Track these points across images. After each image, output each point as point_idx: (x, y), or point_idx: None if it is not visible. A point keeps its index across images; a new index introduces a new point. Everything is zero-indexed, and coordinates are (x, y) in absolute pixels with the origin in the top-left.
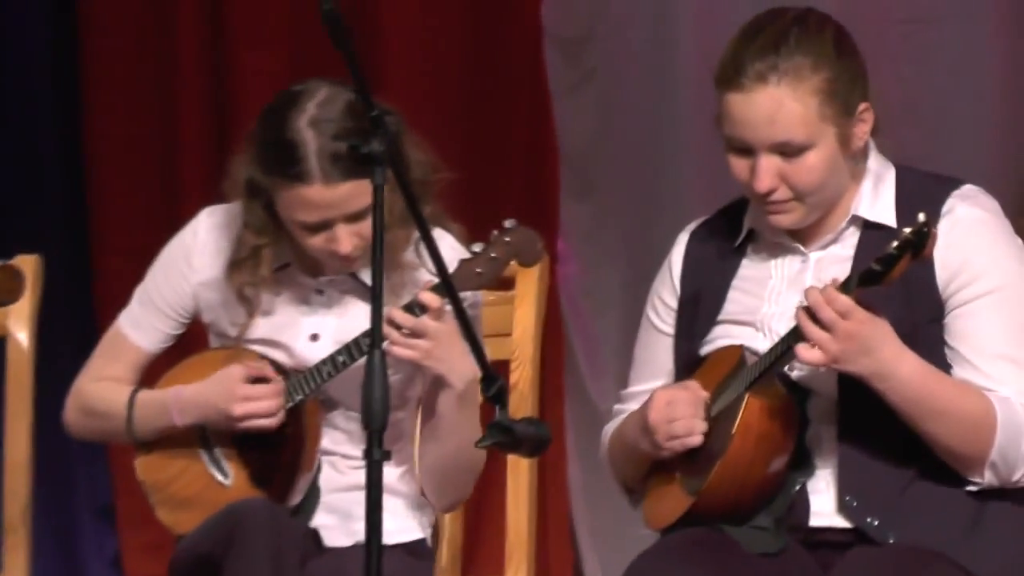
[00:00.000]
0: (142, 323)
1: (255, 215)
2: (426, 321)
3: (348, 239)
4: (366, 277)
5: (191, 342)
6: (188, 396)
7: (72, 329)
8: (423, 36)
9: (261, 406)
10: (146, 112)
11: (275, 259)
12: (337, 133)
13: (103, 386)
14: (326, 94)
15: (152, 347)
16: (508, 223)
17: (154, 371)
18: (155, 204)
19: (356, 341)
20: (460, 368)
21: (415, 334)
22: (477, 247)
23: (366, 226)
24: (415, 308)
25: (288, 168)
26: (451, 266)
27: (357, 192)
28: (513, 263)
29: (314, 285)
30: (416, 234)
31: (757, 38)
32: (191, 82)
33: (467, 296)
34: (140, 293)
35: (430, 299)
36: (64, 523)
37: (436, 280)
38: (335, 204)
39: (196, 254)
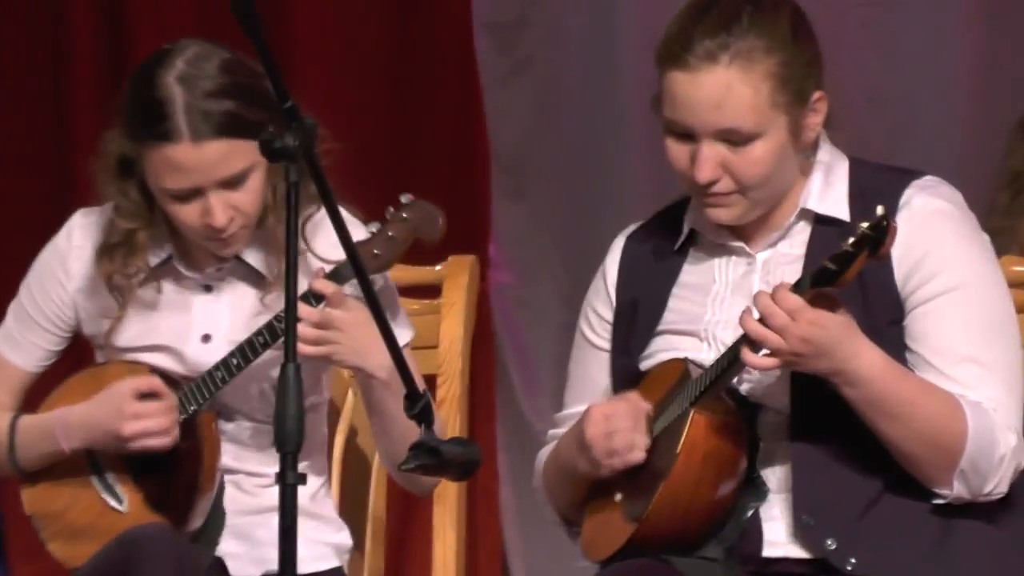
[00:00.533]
0: (19, 341)
1: (127, 196)
2: (330, 311)
3: (223, 209)
4: (254, 261)
5: (79, 358)
6: (74, 418)
7: None
8: (339, 22)
9: (152, 424)
10: (36, 105)
11: (153, 251)
12: (209, 91)
13: None
14: (197, 51)
15: (32, 367)
16: (404, 198)
17: (37, 392)
18: (45, 206)
19: (250, 340)
20: (379, 356)
21: (320, 326)
22: (373, 227)
23: (242, 197)
24: (310, 299)
25: (154, 127)
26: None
27: (229, 153)
28: (439, 269)
29: (200, 280)
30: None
31: (708, 14)
32: (86, 73)
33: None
34: (15, 308)
35: (324, 286)
36: None
37: (328, 266)
38: (205, 166)
39: (72, 259)
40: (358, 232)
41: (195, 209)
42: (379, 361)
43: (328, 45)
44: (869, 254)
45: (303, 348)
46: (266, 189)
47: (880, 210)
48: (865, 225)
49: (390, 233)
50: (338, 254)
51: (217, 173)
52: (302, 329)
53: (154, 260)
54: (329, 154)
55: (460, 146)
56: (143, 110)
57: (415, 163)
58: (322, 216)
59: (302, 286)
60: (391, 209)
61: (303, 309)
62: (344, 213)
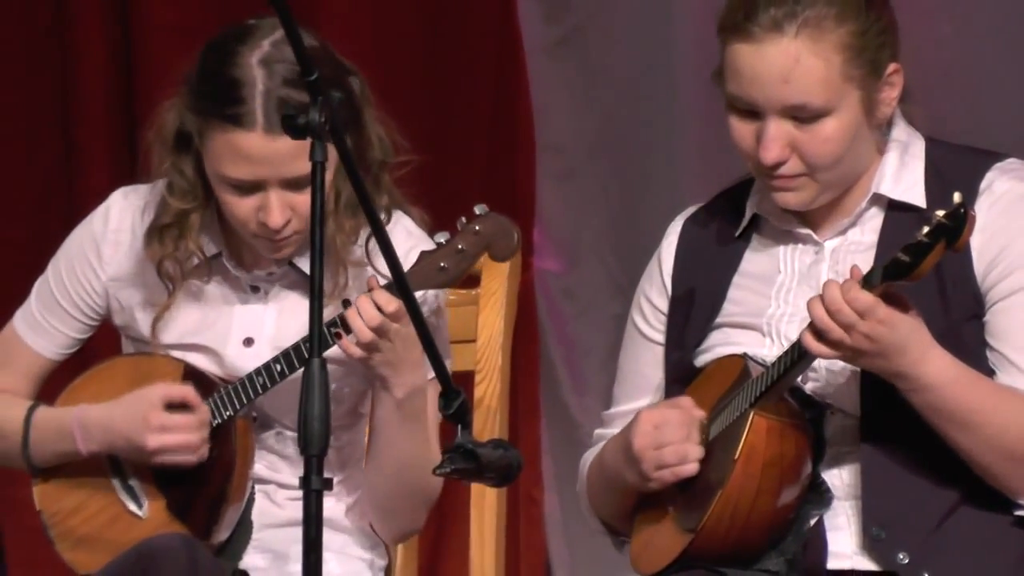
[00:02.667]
0: (41, 324)
1: (182, 174)
2: (389, 322)
3: (280, 210)
4: (306, 267)
5: (101, 346)
6: (94, 420)
7: None
8: None
9: (180, 439)
10: (39, 74)
11: (203, 240)
12: (290, 78)
13: None
14: (283, 34)
15: (53, 353)
16: (478, 209)
17: (55, 381)
18: (49, 183)
19: (296, 347)
20: (407, 375)
21: (377, 332)
22: (441, 237)
23: (304, 200)
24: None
25: (227, 108)
26: (409, 259)
27: (300, 151)
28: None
29: (248, 280)
30: (367, 229)
31: None
32: (92, 39)
33: (428, 299)
34: (40, 289)
35: (384, 300)
36: None
37: (382, 279)
38: (272, 160)
39: (108, 244)
40: (424, 243)
41: (252, 204)
42: (405, 379)
43: (359, 13)
44: (946, 246)
45: (349, 347)
46: (328, 195)
47: (957, 197)
48: (941, 214)
49: (460, 246)
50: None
51: (284, 170)
52: (359, 327)
53: (205, 251)
54: (403, 168)
55: (501, 123)
56: (218, 87)
57: (453, 141)
58: (395, 218)
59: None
60: (463, 220)
61: (365, 307)
62: (408, 223)
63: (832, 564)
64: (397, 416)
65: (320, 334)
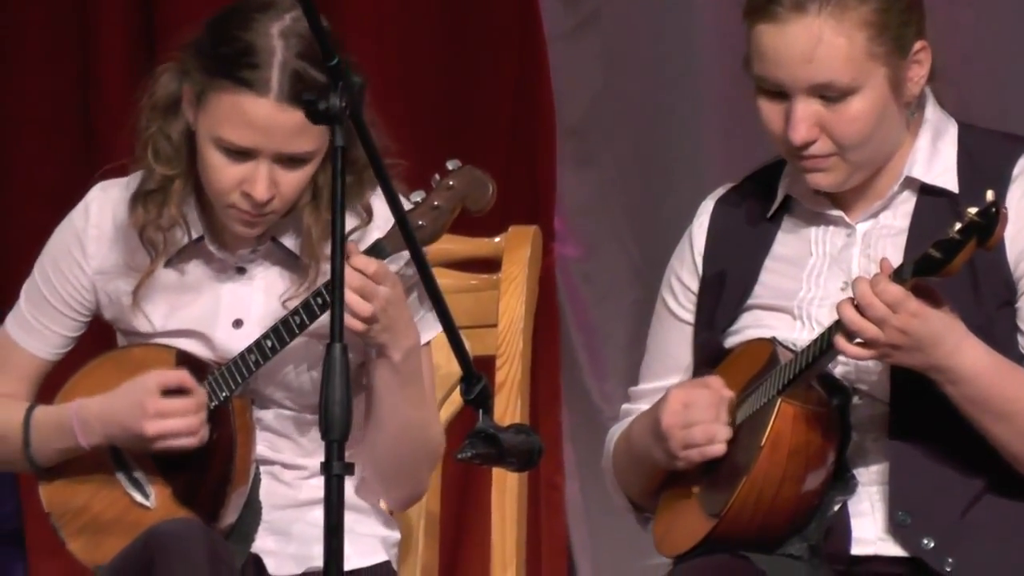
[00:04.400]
0: (33, 326)
1: (168, 139)
2: (375, 286)
3: (267, 183)
4: (291, 244)
5: (100, 340)
6: (93, 413)
7: None
8: None
9: (178, 424)
10: (60, 58)
11: (183, 230)
12: (305, 53)
13: None
14: (300, 13)
15: (47, 354)
16: (451, 164)
17: (54, 379)
18: (70, 168)
19: (285, 321)
20: (403, 338)
21: (365, 296)
22: (417, 196)
23: (290, 179)
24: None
25: (242, 71)
26: (387, 224)
27: (302, 128)
28: (498, 240)
29: (233, 261)
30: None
31: None
32: (112, 22)
33: (405, 256)
34: (28, 290)
35: (365, 264)
36: None
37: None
38: (275, 132)
39: (91, 239)
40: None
41: (238, 173)
42: (401, 342)
43: (381, 0)
44: (977, 243)
45: (352, 323)
46: (310, 183)
47: (990, 195)
48: (973, 211)
49: (435, 203)
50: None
51: (283, 145)
52: (354, 301)
53: (184, 238)
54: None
55: (522, 108)
56: (235, 49)
57: (473, 127)
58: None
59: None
60: (436, 177)
61: (350, 278)
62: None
63: (856, 550)
64: (397, 380)
65: (340, 320)
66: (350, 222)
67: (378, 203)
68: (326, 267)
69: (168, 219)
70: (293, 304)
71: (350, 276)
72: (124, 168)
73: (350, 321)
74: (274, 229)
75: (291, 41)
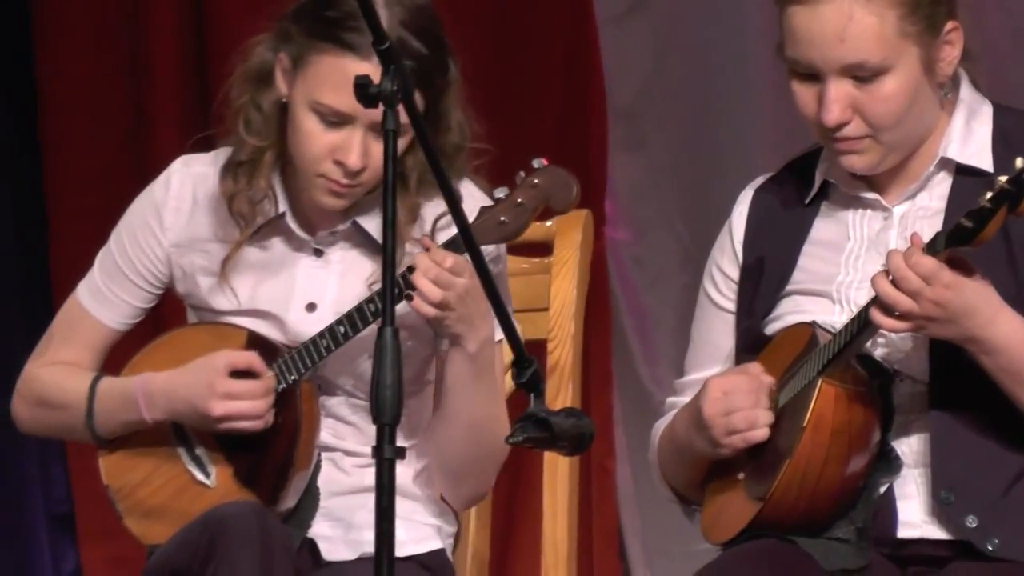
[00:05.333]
0: (105, 295)
1: (259, 110)
2: (452, 277)
3: (360, 152)
4: (371, 228)
5: (168, 318)
6: (159, 387)
7: (25, 302)
8: None
9: (245, 407)
10: (110, 42)
11: (268, 205)
12: (409, 23)
13: (58, 371)
14: None
15: (117, 324)
16: (536, 162)
17: (120, 353)
18: (121, 153)
19: (359, 308)
20: (478, 328)
21: (442, 286)
22: (500, 192)
23: (381, 151)
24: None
25: (347, 34)
26: (470, 215)
27: None
28: (549, 224)
29: (311, 243)
30: (430, 205)
31: None
32: (162, 10)
33: (488, 251)
34: (102, 259)
35: (441, 257)
36: (15, 533)
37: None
38: None
39: (169, 211)
40: (481, 198)
41: (331, 140)
42: (477, 333)
43: None
44: (1008, 210)
45: (421, 306)
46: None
47: (1020, 162)
48: (1004, 179)
49: (519, 200)
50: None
51: (379, 112)
52: (426, 287)
53: (269, 211)
54: (478, 155)
55: (573, 92)
56: (338, 15)
57: (524, 111)
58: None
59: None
60: (521, 174)
61: (427, 267)
62: (471, 188)
63: (902, 533)
64: (471, 371)
65: (393, 303)
66: (438, 208)
67: (465, 191)
68: (409, 252)
69: (258, 191)
70: (377, 288)
71: (427, 266)
72: (210, 142)
73: (420, 305)
74: (356, 211)
75: (395, 10)
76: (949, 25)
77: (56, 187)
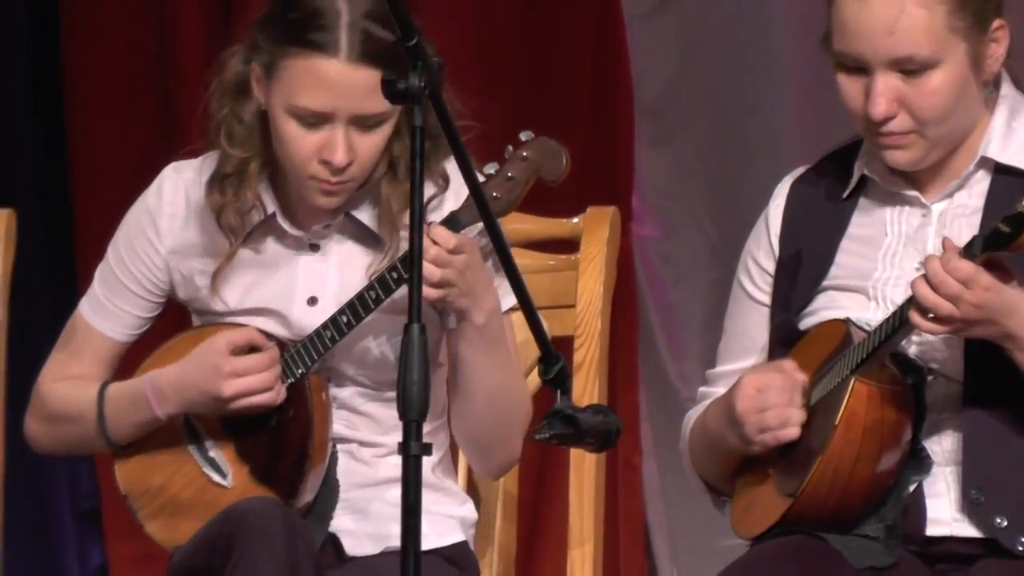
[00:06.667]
0: (107, 308)
1: (240, 121)
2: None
3: (345, 148)
4: (365, 218)
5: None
6: (167, 381)
7: (51, 296)
8: None
9: (254, 381)
10: (135, 42)
11: (256, 207)
12: (373, 14)
13: (67, 386)
14: None
15: (122, 336)
16: (524, 135)
17: (128, 364)
18: (147, 153)
19: (360, 296)
20: (483, 300)
21: (440, 266)
22: (491, 168)
23: (367, 143)
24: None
25: (310, 33)
26: (460, 196)
27: (375, 87)
28: (576, 221)
29: (307, 238)
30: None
31: None
32: (189, 6)
33: (479, 227)
34: (102, 272)
35: (443, 236)
36: (42, 529)
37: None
38: (350, 92)
39: (164, 218)
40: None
41: (315, 141)
42: (483, 304)
43: None
44: None
45: (427, 291)
46: (386, 151)
47: None
48: None
49: (509, 174)
50: None
51: (358, 105)
52: (427, 269)
53: (257, 217)
54: (465, 134)
55: (600, 88)
56: (300, 16)
57: (551, 107)
58: (444, 195)
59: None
60: (510, 148)
61: (426, 247)
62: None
63: (931, 531)
64: (482, 343)
65: (419, 299)
66: (428, 190)
67: (452, 169)
68: (404, 237)
69: (245, 202)
70: (376, 276)
71: (426, 246)
72: (196, 152)
73: (424, 289)
74: (348, 203)
75: (356, 2)
76: (996, 23)
77: (82, 185)
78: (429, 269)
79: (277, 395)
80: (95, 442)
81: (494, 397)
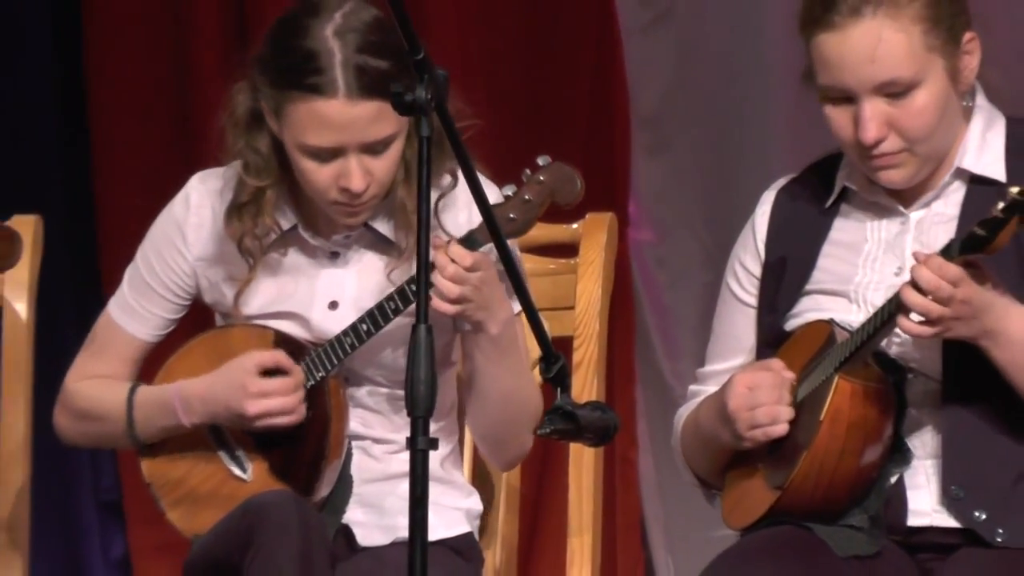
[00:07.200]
0: (136, 310)
1: (256, 152)
2: (467, 273)
3: (361, 174)
4: (384, 229)
5: (197, 321)
6: (194, 394)
7: (76, 299)
8: None
9: (278, 403)
10: (155, 49)
11: (279, 216)
12: (365, 48)
13: (96, 384)
14: (353, 5)
15: (148, 336)
16: (541, 160)
17: (153, 357)
18: (168, 157)
19: (380, 306)
20: (498, 312)
21: (457, 282)
22: (508, 190)
23: (380, 164)
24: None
25: (307, 78)
26: (476, 211)
27: (378, 115)
28: (576, 227)
29: (327, 247)
30: (434, 191)
31: None
32: (208, 12)
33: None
34: (131, 275)
35: (460, 255)
36: (66, 520)
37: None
38: (353, 125)
39: (191, 227)
40: (492, 195)
41: (331, 171)
42: (497, 316)
43: None
44: (1020, 220)
45: (440, 304)
46: (401, 160)
47: None
48: (1015, 191)
49: (526, 196)
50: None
51: (364, 135)
52: (444, 285)
53: (282, 227)
54: (467, 131)
55: (598, 99)
56: (296, 59)
57: (551, 117)
58: (455, 193)
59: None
60: (527, 172)
61: (443, 264)
62: (493, 188)
63: (912, 521)
64: (496, 351)
65: (425, 303)
66: (435, 193)
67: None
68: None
69: (263, 228)
70: (396, 275)
71: (443, 263)
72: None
73: (440, 304)
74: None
75: (347, 38)
76: (967, 35)
77: (105, 188)
78: (447, 286)
79: (299, 418)
80: (122, 441)
81: (506, 398)
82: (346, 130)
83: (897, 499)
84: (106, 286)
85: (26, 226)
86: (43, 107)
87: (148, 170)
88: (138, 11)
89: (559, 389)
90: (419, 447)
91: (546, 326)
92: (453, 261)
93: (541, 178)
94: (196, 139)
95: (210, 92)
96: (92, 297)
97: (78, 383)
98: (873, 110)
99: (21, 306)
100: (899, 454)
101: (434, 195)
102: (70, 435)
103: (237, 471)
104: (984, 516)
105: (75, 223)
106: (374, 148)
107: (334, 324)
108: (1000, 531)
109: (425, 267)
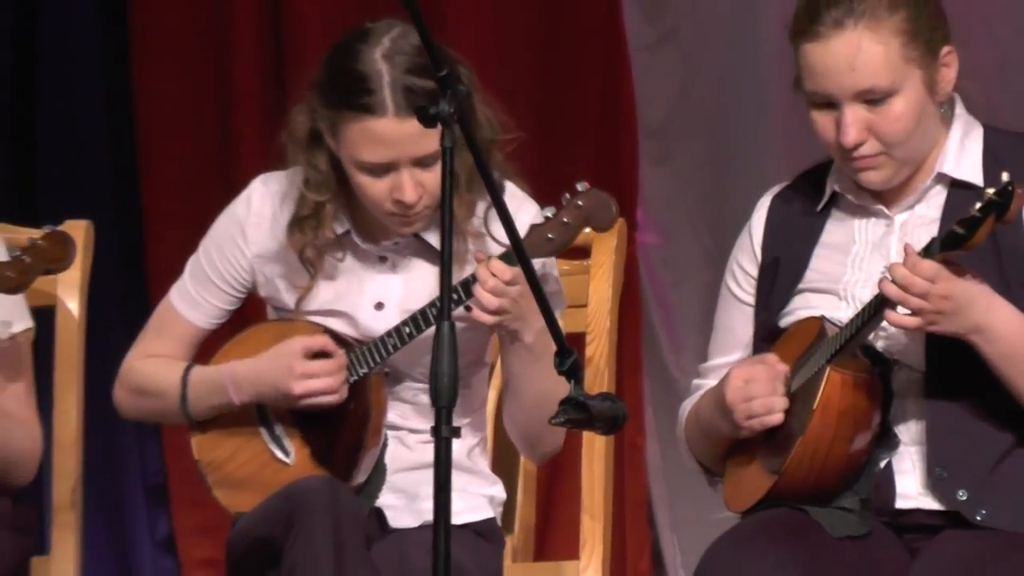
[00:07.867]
0: (195, 298)
1: (316, 169)
2: (507, 287)
3: (413, 187)
4: (432, 239)
5: (249, 313)
6: (244, 373)
7: (124, 298)
8: None
9: (322, 384)
10: (198, 65)
11: (335, 223)
12: (412, 69)
13: (154, 363)
14: (400, 30)
15: (206, 323)
16: (580, 186)
17: (208, 343)
18: (210, 165)
19: (423, 311)
20: (533, 322)
21: (500, 295)
22: (548, 212)
23: (432, 177)
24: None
25: (359, 99)
26: (516, 218)
27: (427, 132)
28: (588, 231)
29: (376, 251)
30: (484, 202)
31: None
32: (246, 32)
33: (537, 262)
34: (192, 267)
35: (500, 269)
36: (114, 503)
37: (503, 250)
38: (404, 141)
39: (251, 226)
40: (530, 208)
41: (385, 184)
42: (532, 326)
43: (478, 15)
44: (996, 218)
45: (480, 315)
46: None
47: (1006, 176)
48: (992, 191)
49: (565, 219)
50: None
51: (414, 150)
52: (484, 297)
53: (336, 232)
54: (510, 144)
55: (607, 112)
56: (348, 83)
57: (565, 129)
58: (520, 199)
59: (471, 268)
60: (567, 196)
61: (484, 278)
62: (513, 187)
63: (899, 503)
64: (531, 358)
65: (449, 301)
66: (483, 204)
67: (507, 192)
68: (468, 250)
69: (323, 239)
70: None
71: (484, 277)
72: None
73: (480, 315)
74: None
75: (396, 60)
76: (945, 49)
77: (151, 195)
78: (488, 298)
79: (341, 398)
80: (175, 416)
81: (540, 399)
82: (396, 146)
83: (886, 483)
84: (152, 286)
85: (78, 231)
86: (94, 121)
87: (191, 179)
88: (182, 31)
89: (572, 381)
90: (443, 435)
91: (561, 323)
92: (494, 275)
93: (580, 203)
94: (234, 150)
95: (247, 106)
96: (138, 296)
97: (138, 362)
98: (853, 115)
99: (73, 305)
100: (887, 440)
101: (483, 206)
102: (127, 409)
103: (280, 454)
104: (966, 496)
105: (123, 228)
106: (424, 161)
107: (379, 324)
108: (981, 510)
109: (448, 268)
